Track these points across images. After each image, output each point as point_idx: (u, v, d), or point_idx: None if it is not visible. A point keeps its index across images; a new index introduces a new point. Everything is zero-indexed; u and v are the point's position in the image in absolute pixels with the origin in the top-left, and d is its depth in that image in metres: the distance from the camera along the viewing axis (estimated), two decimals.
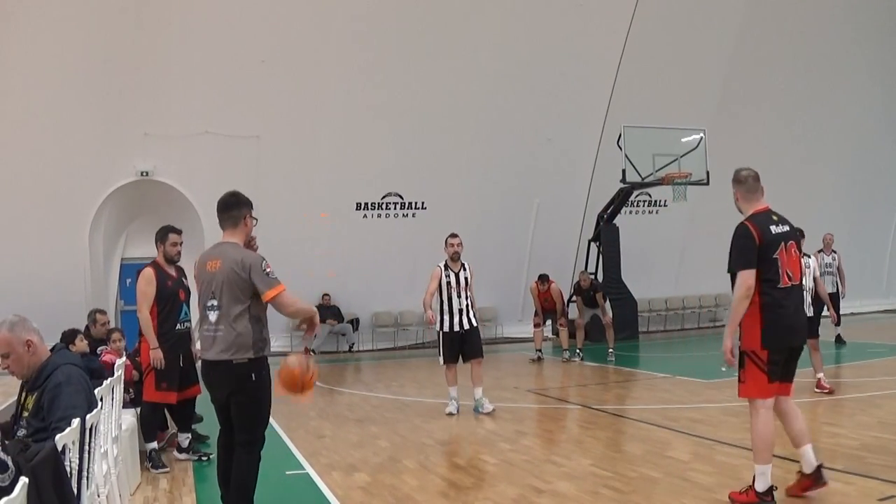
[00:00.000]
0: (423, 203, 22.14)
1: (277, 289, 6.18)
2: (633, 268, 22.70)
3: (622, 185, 21.81)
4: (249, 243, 6.57)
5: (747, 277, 6.41)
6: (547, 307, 18.63)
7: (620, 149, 21.26)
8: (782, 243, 6.52)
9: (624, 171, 21.24)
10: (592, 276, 20.67)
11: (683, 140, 22.12)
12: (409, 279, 20.08)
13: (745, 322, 6.52)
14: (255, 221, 6.58)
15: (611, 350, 18.03)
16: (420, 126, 21.15)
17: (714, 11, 23.21)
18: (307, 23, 19.45)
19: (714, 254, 25.52)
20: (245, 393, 6.25)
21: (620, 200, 22.53)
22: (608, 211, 22.80)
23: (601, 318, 18.57)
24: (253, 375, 6.22)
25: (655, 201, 24.86)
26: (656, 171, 21.63)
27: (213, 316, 6.26)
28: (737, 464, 7.91)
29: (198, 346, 7.25)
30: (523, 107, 21.79)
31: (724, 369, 15.31)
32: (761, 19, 23.92)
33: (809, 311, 11.14)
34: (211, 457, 8.49)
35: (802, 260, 6.87)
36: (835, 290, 19.15)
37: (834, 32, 25.34)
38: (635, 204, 24.42)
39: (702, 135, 22.07)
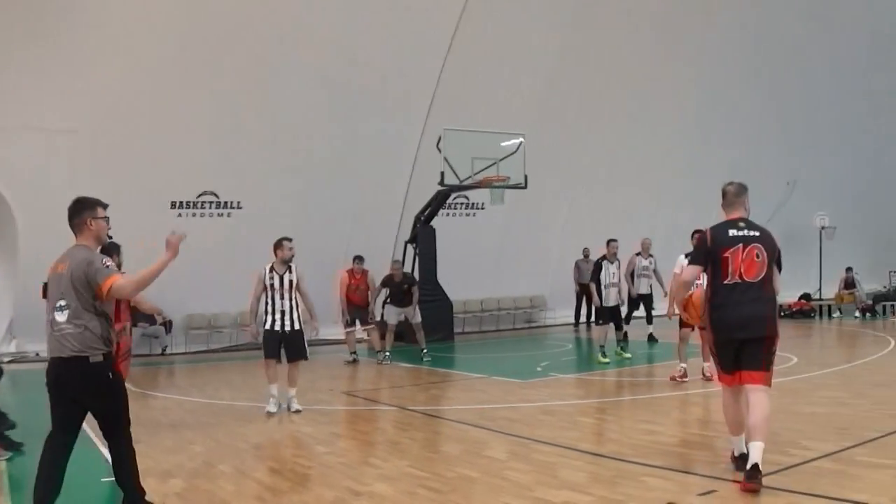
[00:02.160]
0: (239, 202, 21.73)
1: (111, 278, 6.27)
2: (449, 270, 22.81)
3: (440, 188, 21.91)
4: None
5: (690, 271, 7.64)
6: (357, 300, 18.32)
7: (440, 151, 21.36)
8: (740, 245, 7.26)
9: (442, 174, 21.33)
10: (406, 271, 20.40)
11: (503, 144, 22.35)
12: (223, 280, 19.67)
13: (706, 318, 7.58)
14: (106, 220, 6.78)
15: (424, 351, 18.09)
16: (237, 124, 20.79)
17: (538, 19, 23.69)
18: (124, 17, 18.91)
19: (530, 256, 26.26)
20: (104, 389, 6.43)
21: (438, 203, 22.61)
22: (425, 213, 22.85)
23: (410, 318, 18.50)
24: (109, 373, 6.41)
25: (473, 204, 25.10)
26: (475, 174, 21.81)
27: (61, 316, 6.32)
28: (553, 462, 8.03)
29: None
30: (343, 107, 21.68)
31: (538, 369, 15.67)
32: (584, 28, 24.55)
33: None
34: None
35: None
36: (649, 292, 19.85)
37: (653, 43, 26.17)
38: (453, 206, 24.59)
39: (521, 139, 22.37)
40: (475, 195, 24.35)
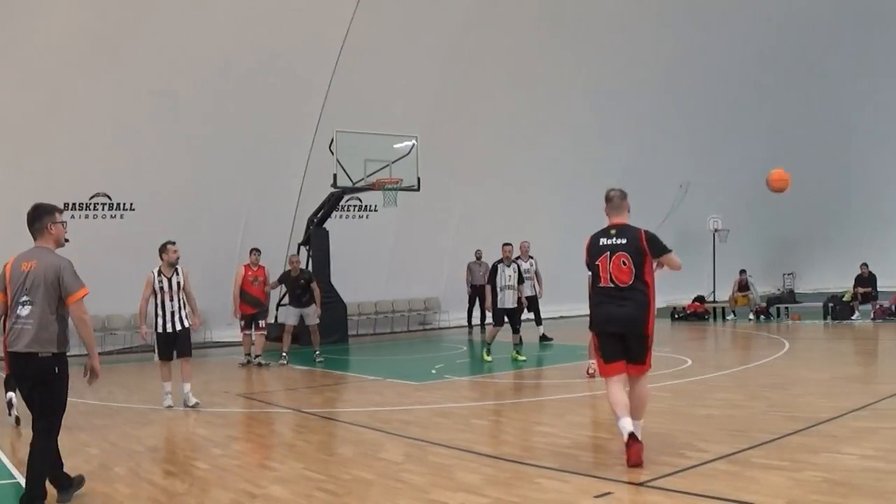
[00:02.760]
0: (131, 204, 21.44)
1: (83, 290, 6.96)
2: (342, 272, 22.83)
3: (333, 190, 21.91)
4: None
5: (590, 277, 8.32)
6: (255, 292, 18.00)
7: (332, 153, 21.36)
8: (607, 253, 8.00)
9: (335, 176, 21.35)
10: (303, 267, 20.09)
11: (396, 146, 22.46)
12: (116, 283, 19.37)
13: (589, 314, 8.35)
14: (64, 225, 7.21)
15: (317, 353, 18.06)
16: (130, 126, 20.51)
17: (431, 20, 23.81)
18: (11, 14, 18.57)
19: (423, 258, 26.35)
20: (47, 384, 6.85)
21: (331, 205, 22.62)
22: (318, 215, 22.83)
23: (306, 320, 18.39)
24: (56, 369, 6.84)
25: (366, 206, 25.14)
26: (368, 176, 21.87)
27: (24, 311, 6.79)
28: (449, 464, 8.10)
29: None
30: (235, 109, 21.56)
31: (433, 371, 15.78)
32: (477, 32, 24.76)
33: None
34: None
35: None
36: (533, 293, 20.13)
37: (546, 44, 26.51)
38: (346, 209, 24.62)
39: (414, 141, 22.48)
40: (368, 197, 24.38)
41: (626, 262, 7.94)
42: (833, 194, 35.50)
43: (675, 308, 28.36)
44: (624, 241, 8.01)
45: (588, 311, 8.58)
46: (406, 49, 23.79)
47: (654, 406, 10.75)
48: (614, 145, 29.79)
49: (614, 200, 8.30)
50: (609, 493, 6.84)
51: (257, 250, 18.36)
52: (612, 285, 7.99)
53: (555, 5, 26.35)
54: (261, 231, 22.32)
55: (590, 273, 8.30)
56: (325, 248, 22.71)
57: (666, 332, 23.74)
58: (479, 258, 24.33)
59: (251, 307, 17.89)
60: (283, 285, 19.11)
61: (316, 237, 22.73)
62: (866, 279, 25.10)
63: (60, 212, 7.26)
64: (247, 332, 18.07)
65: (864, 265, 25.13)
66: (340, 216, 24.28)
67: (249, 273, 17.95)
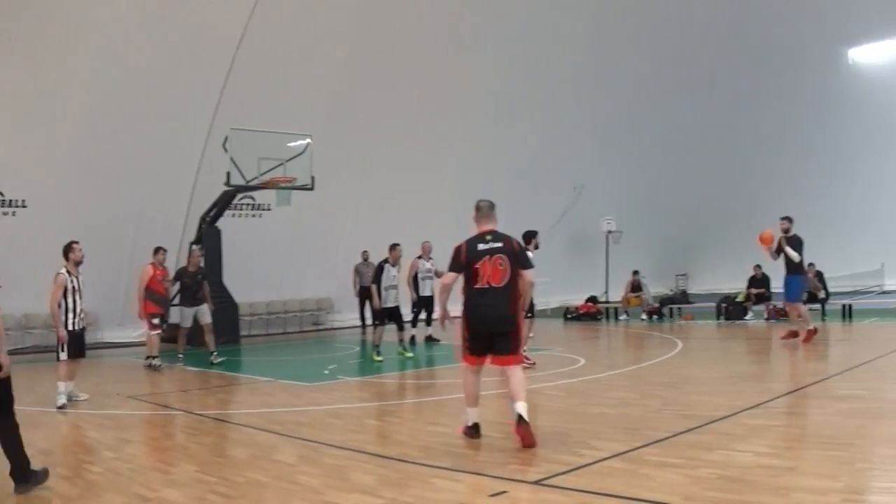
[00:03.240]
0: (23, 201, 21.00)
1: None
2: (234, 271, 22.72)
3: (226, 188, 21.78)
4: None
5: (447, 276, 9.11)
6: (163, 291, 17.87)
7: (226, 151, 21.25)
8: (487, 256, 8.89)
9: (229, 174, 21.25)
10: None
11: (290, 145, 22.45)
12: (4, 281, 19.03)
13: (462, 310, 9.08)
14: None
15: (214, 353, 17.87)
16: (21, 122, 20.22)
17: (329, 19, 23.84)
18: None
19: (316, 258, 26.32)
20: None
21: (224, 203, 22.47)
22: (211, 213, 22.66)
23: (199, 319, 18.24)
24: None
25: (259, 205, 25.05)
26: (261, 175, 21.82)
27: None
28: (343, 465, 8.14)
29: None
30: (129, 104, 21.28)
31: (326, 372, 15.83)
32: (374, 33, 24.87)
33: None
34: None
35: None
36: (432, 294, 20.32)
37: (444, 48, 26.72)
38: (239, 207, 24.48)
39: (308, 140, 22.47)
40: (262, 196, 24.33)
41: (504, 263, 8.93)
42: (725, 196, 36.40)
43: (567, 308, 28.72)
44: (500, 244, 9.00)
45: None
46: (302, 47, 23.75)
47: (548, 405, 11.01)
48: (509, 148, 30.15)
49: (484, 210, 9.30)
50: (504, 492, 6.90)
51: (163, 249, 18.14)
52: (487, 286, 8.91)
53: (452, 9, 26.56)
54: (152, 229, 22.05)
55: (452, 274, 9.08)
56: (216, 248, 22.53)
57: (559, 332, 24.11)
58: (366, 259, 24.38)
59: (160, 306, 17.64)
60: (179, 282, 18.84)
61: (208, 236, 22.52)
62: (759, 280, 25.60)
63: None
64: (157, 332, 17.54)
65: (758, 266, 25.61)
66: (233, 215, 24.14)
67: (157, 272, 17.65)
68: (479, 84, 28.74)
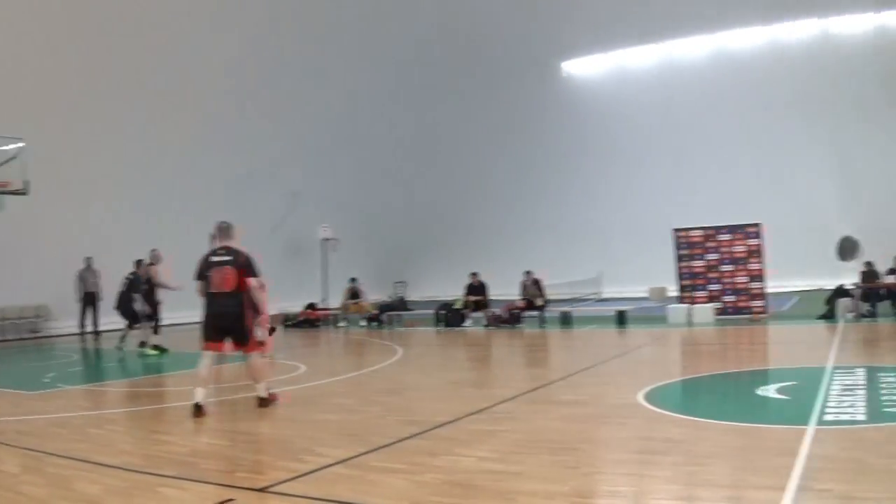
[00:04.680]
0: None
1: None
2: None
3: None
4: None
5: (197, 284, 11.42)
6: None
7: None
8: (215, 268, 11.23)
9: None
10: None
11: (1, 148, 21.64)
12: None
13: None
14: None
15: None
16: None
17: (34, 22, 23.15)
18: None
19: (33, 264, 25.50)
20: None
21: None
22: None
23: None
24: None
25: None
26: None
27: None
28: (68, 475, 7.94)
29: None
30: None
31: (46, 380, 15.41)
32: (86, 39, 24.34)
33: None
34: None
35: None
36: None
37: (151, 55, 26.42)
38: None
39: (21, 144, 21.71)
40: None
41: (230, 273, 11.18)
42: (443, 205, 37.48)
43: (287, 315, 28.83)
44: (230, 258, 11.28)
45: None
46: (12, 46, 22.98)
47: (271, 412, 11.16)
48: (220, 158, 30.13)
49: (224, 229, 11.59)
50: (230, 500, 6.90)
51: None
52: (219, 291, 11.21)
53: (157, 13, 26.41)
54: None
55: (201, 281, 11.36)
56: None
57: (278, 339, 24.17)
58: (89, 266, 23.93)
59: None
60: None
61: None
62: (477, 287, 26.32)
63: None
64: None
65: (475, 274, 26.43)
66: None
67: None
68: (186, 89, 28.62)
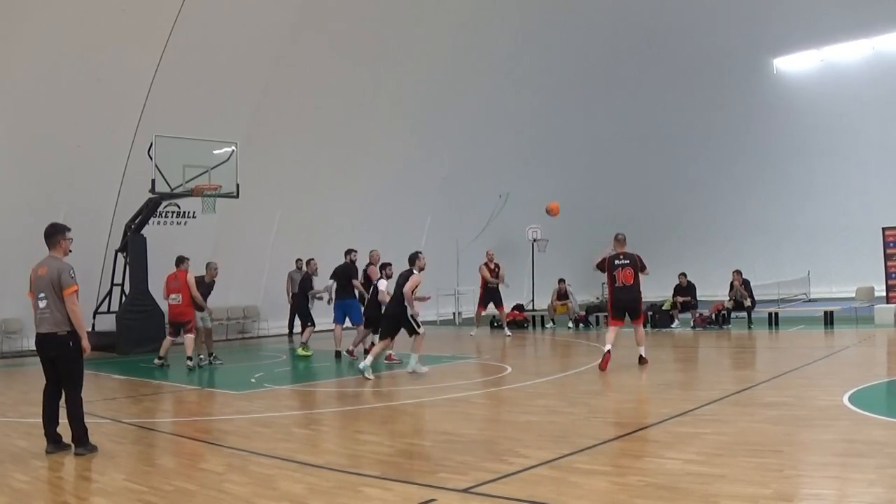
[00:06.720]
0: None
1: (72, 287, 9.30)
2: (160, 279, 22.52)
3: (151, 196, 21.68)
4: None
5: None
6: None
7: (151, 158, 21.15)
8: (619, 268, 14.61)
9: (153, 181, 21.15)
10: None
11: (215, 152, 22.43)
12: None
13: None
14: (70, 241, 9.89)
15: (212, 356, 18.83)
16: None
17: (255, 27, 23.83)
18: None
19: (242, 266, 26.29)
20: (67, 354, 9.32)
21: (149, 211, 22.37)
22: (136, 221, 22.55)
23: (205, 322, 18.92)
24: (71, 343, 9.28)
25: (184, 213, 24.95)
26: (186, 182, 21.74)
27: (42, 304, 9.29)
28: (271, 473, 8.09)
29: None
30: (53, 109, 21.11)
31: (253, 380, 15.84)
32: (301, 40, 25.02)
33: None
34: None
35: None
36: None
37: (368, 56, 26.88)
38: (164, 215, 24.38)
39: (233, 148, 22.45)
40: (187, 203, 24.25)
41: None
42: (652, 204, 36.90)
43: (494, 316, 28.74)
44: (626, 261, 15.92)
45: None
46: (228, 53, 23.70)
47: (475, 413, 11.14)
48: (434, 156, 30.32)
49: (621, 241, 16.18)
50: (433, 501, 6.90)
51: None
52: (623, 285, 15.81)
53: (379, 17, 26.68)
54: (76, 237, 21.75)
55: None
56: (142, 255, 22.43)
57: (485, 340, 24.21)
58: (299, 267, 24.37)
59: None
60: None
61: (133, 244, 22.43)
62: (685, 288, 25.90)
63: (69, 230, 9.88)
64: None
65: (683, 275, 26.01)
66: (158, 222, 24.05)
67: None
68: (406, 91, 28.89)
